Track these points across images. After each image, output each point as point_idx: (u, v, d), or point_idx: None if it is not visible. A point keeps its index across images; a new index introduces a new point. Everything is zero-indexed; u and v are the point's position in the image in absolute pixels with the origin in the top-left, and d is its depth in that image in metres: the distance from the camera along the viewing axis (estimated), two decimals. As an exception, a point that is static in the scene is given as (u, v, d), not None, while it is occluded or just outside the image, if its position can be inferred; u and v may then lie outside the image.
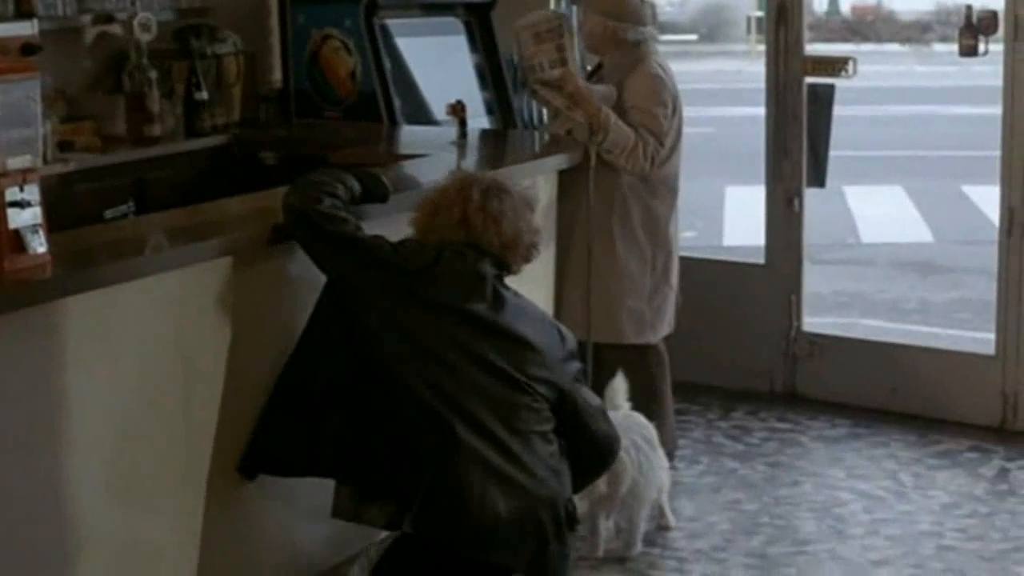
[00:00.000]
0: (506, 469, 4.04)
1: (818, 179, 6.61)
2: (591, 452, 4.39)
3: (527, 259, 4.34)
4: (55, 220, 3.77)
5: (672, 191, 5.68)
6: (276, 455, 4.19)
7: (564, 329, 4.36)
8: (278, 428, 4.17)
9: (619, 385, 5.11)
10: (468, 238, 4.18)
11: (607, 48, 5.62)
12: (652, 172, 5.50)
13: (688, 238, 5.98)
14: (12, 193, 3.55)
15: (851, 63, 6.37)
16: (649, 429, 5.09)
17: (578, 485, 4.41)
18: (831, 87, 6.52)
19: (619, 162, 5.43)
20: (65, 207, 4.83)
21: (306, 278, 4.25)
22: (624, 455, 4.71)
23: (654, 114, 5.47)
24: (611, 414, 4.54)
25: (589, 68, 5.83)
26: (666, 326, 5.76)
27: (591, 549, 4.98)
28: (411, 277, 4.10)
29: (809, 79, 6.45)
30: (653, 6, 5.69)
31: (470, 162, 5.79)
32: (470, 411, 4.03)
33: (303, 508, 4.32)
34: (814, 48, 6.83)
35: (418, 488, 4.01)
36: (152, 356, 3.91)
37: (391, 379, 4.06)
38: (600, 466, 4.50)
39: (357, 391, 4.12)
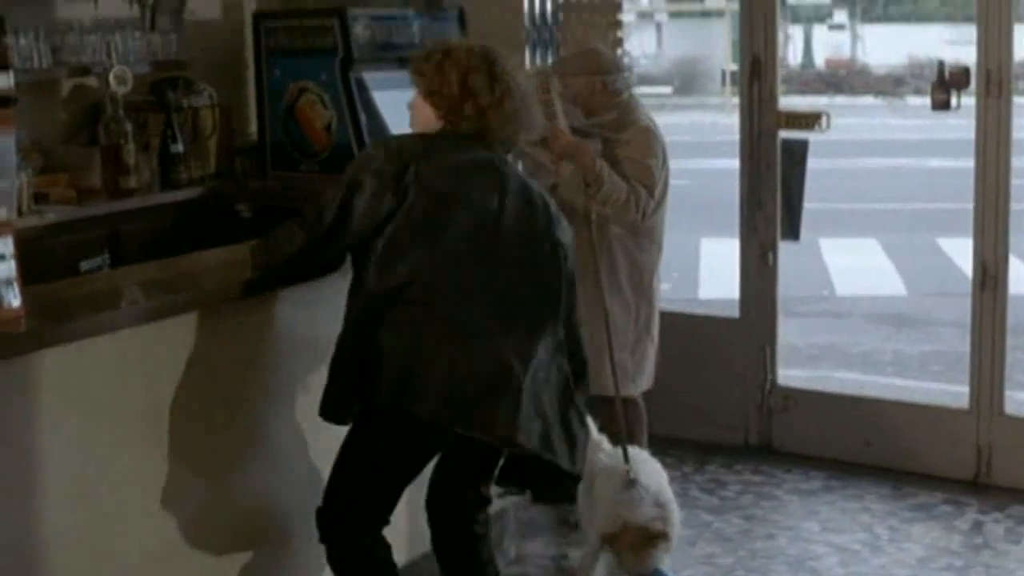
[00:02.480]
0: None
1: (792, 232, 6.62)
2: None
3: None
4: (30, 272, 3.76)
5: (657, 244, 5.68)
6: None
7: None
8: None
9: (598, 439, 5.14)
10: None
11: (602, 104, 5.58)
12: (641, 223, 5.51)
13: (664, 290, 5.97)
14: (-14, 246, 3.55)
15: (824, 118, 6.39)
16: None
17: None
18: (805, 143, 6.53)
19: (610, 213, 5.43)
20: (40, 259, 4.79)
21: (282, 330, 4.24)
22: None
23: (647, 166, 5.48)
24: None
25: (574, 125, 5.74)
26: (646, 380, 5.76)
27: None
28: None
29: (783, 134, 6.48)
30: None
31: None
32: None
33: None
34: (788, 100, 6.86)
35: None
36: (125, 409, 3.90)
37: None
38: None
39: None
